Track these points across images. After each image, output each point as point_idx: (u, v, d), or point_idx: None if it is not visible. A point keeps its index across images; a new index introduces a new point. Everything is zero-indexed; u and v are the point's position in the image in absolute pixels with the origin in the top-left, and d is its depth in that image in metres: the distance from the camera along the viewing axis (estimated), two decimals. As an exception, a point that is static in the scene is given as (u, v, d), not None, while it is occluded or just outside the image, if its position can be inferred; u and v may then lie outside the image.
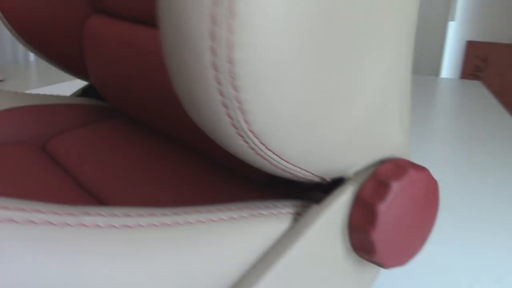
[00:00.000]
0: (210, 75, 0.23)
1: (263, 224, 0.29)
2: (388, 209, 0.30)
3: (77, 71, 0.57)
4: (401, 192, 0.31)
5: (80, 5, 0.54)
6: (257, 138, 0.26)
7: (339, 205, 0.31)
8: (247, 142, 0.27)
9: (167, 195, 0.41)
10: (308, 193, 0.38)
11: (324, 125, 0.27)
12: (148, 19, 0.44)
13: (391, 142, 0.33)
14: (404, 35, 0.30)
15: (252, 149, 0.27)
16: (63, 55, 0.55)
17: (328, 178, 0.32)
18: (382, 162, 0.32)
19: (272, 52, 0.23)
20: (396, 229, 0.31)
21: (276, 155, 0.28)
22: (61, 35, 0.53)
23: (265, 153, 0.27)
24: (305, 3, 0.22)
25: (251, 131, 0.26)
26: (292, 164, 0.29)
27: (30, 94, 0.57)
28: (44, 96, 0.58)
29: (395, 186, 0.30)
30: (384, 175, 0.31)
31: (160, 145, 0.50)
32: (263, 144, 0.27)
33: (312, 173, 0.30)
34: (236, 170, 0.41)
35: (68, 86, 1.43)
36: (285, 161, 0.28)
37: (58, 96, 0.58)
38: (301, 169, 0.29)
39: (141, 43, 0.44)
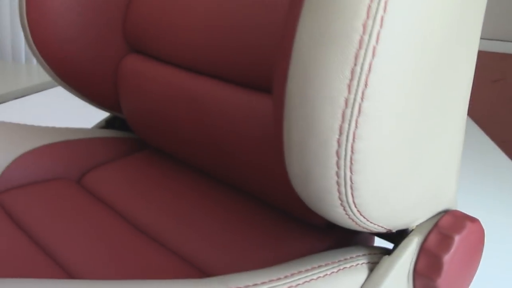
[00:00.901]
0: (332, 160, 0.27)
1: (348, 277, 0.33)
2: (451, 259, 0.35)
3: (108, 106, 0.58)
4: (462, 242, 0.35)
5: (117, 43, 0.55)
6: (356, 208, 0.30)
7: (407, 255, 0.35)
8: (345, 210, 0.30)
9: (221, 234, 0.44)
10: (357, 237, 0.42)
11: (408, 188, 0.31)
12: (202, 69, 0.46)
13: (449, 194, 0.37)
14: (467, 99, 0.34)
15: (347, 215, 0.31)
16: (95, 90, 0.56)
17: (394, 229, 0.36)
18: (442, 214, 0.37)
19: (385, 142, 0.27)
20: (456, 273, 0.36)
21: (365, 218, 0.31)
22: (95, 70, 0.55)
23: (357, 217, 0.31)
24: (410, 111, 0.27)
25: (354, 203, 0.29)
26: (372, 223, 0.32)
27: (60, 128, 0.58)
28: (75, 129, 0.59)
29: (457, 238, 0.35)
30: (447, 228, 0.35)
31: (200, 180, 0.52)
32: (359, 212, 0.30)
33: (384, 227, 0.34)
34: (290, 212, 0.44)
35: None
36: (369, 221, 0.32)
37: (88, 130, 0.60)
38: (378, 225, 0.33)
39: (194, 91, 0.46)
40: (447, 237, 0.35)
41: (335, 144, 0.26)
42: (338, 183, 0.28)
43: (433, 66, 0.27)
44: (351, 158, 0.27)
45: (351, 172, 0.27)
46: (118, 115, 0.60)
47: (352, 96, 0.25)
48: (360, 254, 0.36)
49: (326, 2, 0.25)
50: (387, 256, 0.35)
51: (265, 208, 0.47)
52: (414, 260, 0.36)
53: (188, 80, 0.47)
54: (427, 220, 0.36)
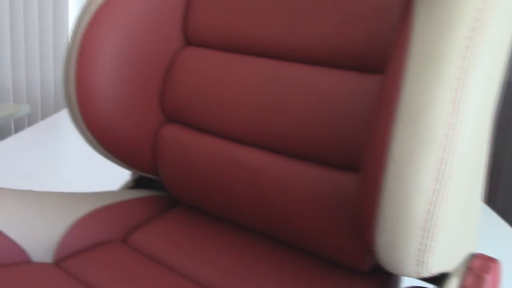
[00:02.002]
0: (420, 234, 0.36)
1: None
2: (484, 295, 0.44)
3: (144, 170, 0.63)
4: (491, 281, 0.44)
5: (155, 114, 0.61)
6: (427, 265, 0.38)
7: None
8: (417, 267, 0.39)
9: (281, 285, 0.51)
10: (395, 277, 0.51)
11: (462, 240, 0.40)
12: (254, 141, 0.53)
13: (475, 237, 0.46)
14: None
15: (417, 271, 0.39)
16: (134, 157, 0.61)
17: (437, 273, 0.44)
18: (471, 257, 0.46)
19: (456, 216, 0.36)
20: None
21: (428, 271, 0.40)
22: (135, 140, 0.60)
23: (423, 271, 0.39)
24: (471, 187, 0.36)
25: (427, 262, 0.38)
26: (431, 273, 0.41)
27: (99, 193, 0.62)
28: (112, 193, 0.63)
29: (488, 278, 0.44)
30: (479, 270, 0.44)
31: (240, 233, 0.59)
32: (427, 267, 0.39)
33: (436, 274, 0.42)
34: (336, 260, 0.52)
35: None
36: (429, 272, 0.40)
37: (122, 192, 0.64)
38: (433, 273, 0.42)
39: (245, 161, 0.53)
40: (481, 278, 0.44)
41: (423, 222, 0.35)
42: (419, 249, 0.37)
43: (477, 162, 0.36)
44: (433, 232, 0.35)
45: (432, 241, 0.36)
46: (151, 177, 0.66)
47: (437, 187, 0.34)
48: (414, 297, 0.44)
49: (415, 115, 0.34)
50: (435, 297, 0.44)
51: (308, 257, 0.54)
52: None
53: (239, 150, 0.54)
54: (461, 263, 0.45)
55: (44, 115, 2.06)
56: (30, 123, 2.07)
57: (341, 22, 0.49)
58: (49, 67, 1.98)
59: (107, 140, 0.59)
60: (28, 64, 1.99)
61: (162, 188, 0.70)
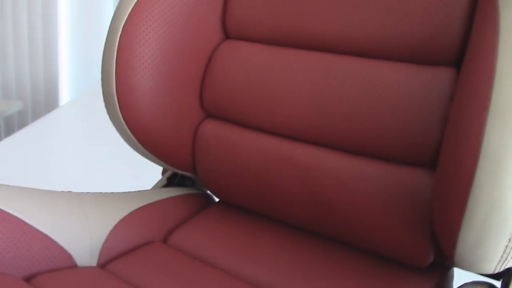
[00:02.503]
0: (509, 230, 0.35)
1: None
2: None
3: (182, 167, 0.61)
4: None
5: (193, 110, 0.59)
6: (508, 262, 0.38)
7: None
8: (498, 263, 0.38)
9: (330, 281, 0.50)
10: (450, 272, 0.50)
11: None
12: (306, 138, 0.52)
13: None
14: None
15: (495, 267, 0.39)
16: (173, 155, 0.59)
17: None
18: None
19: None
20: None
21: (504, 267, 0.39)
22: (173, 137, 0.58)
23: (500, 267, 0.39)
24: None
25: (509, 259, 0.38)
26: (505, 268, 0.40)
27: (136, 193, 0.61)
28: (148, 192, 0.62)
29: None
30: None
31: (284, 230, 0.58)
32: (505, 265, 0.39)
33: (503, 269, 0.42)
34: (394, 257, 0.51)
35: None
36: (504, 268, 0.40)
37: (158, 191, 0.63)
38: (504, 269, 0.41)
39: (298, 158, 0.52)
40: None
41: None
42: (507, 246, 0.36)
43: None
44: None
45: None
46: (188, 174, 0.64)
47: None
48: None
49: None
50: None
51: (364, 255, 0.53)
52: None
53: (291, 147, 0.53)
54: None
55: (35, 112, 2.01)
56: (20, 120, 2.02)
57: (397, 13, 0.48)
58: (39, 64, 1.93)
59: (147, 139, 0.57)
60: (17, 59, 1.93)
61: (195, 185, 0.69)
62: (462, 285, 0.47)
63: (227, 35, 0.60)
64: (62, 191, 0.54)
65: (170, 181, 0.67)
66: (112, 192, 0.59)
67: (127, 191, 0.62)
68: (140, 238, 0.57)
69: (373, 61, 0.49)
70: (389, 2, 0.48)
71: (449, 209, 0.38)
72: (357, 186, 0.49)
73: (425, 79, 0.46)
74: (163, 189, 0.64)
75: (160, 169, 0.70)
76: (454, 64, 0.46)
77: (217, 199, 0.66)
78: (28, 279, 0.47)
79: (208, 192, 0.68)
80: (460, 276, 0.54)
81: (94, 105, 1.55)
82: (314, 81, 0.51)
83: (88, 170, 1.26)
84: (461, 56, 0.45)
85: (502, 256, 0.37)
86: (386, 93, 0.47)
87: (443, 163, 0.41)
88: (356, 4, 0.50)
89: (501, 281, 0.47)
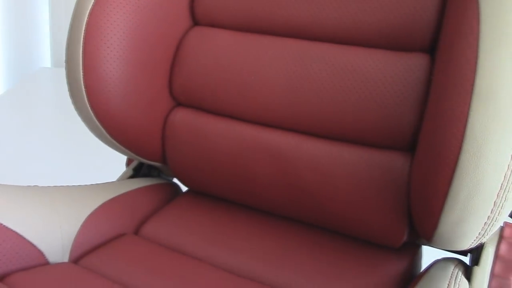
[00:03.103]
0: (489, 209, 0.37)
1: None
2: (518, 260, 0.47)
3: (151, 158, 0.60)
4: (522, 246, 0.47)
5: (163, 98, 0.58)
6: (483, 239, 0.40)
7: (488, 263, 0.46)
8: (475, 241, 0.41)
9: (310, 264, 0.51)
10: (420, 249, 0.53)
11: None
12: (284, 125, 0.52)
13: None
14: None
15: (470, 244, 0.41)
16: (142, 145, 0.58)
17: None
18: (501, 226, 0.48)
19: None
20: None
21: (479, 244, 0.42)
22: (142, 126, 0.56)
23: (474, 245, 0.42)
24: None
25: (485, 236, 0.40)
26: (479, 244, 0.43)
27: (103, 185, 0.59)
28: (116, 183, 0.60)
29: (520, 244, 0.47)
30: (511, 237, 0.47)
31: (258, 217, 0.58)
32: (480, 242, 0.41)
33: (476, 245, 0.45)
34: (370, 238, 0.53)
35: None
36: (478, 244, 0.43)
37: (126, 182, 0.61)
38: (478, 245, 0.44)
39: (274, 145, 0.52)
40: (513, 244, 0.47)
41: (495, 197, 0.36)
42: (485, 224, 0.38)
43: None
44: (502, 205, 0.37)
45: (499, 214, 0.37)
46: (155, 164, 0.63)
47: None
48: (457, 267, 0.46)
49: None
50: (476, 267, 0.46)
51: (339, 237, 0.55)
52: (490, 265, 0.47)
53: (266, 134, 0.53)
54: (493, 233, 0.48)
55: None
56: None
57: (371, 0, 0.49)
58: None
59: (116, 128, 0.55)
60: None
61: (161, 175, 0.67)
62: (433, 262, 0.49)
63: (196, 22, 0.59)
64: (29, 186, 0.52)
65: (136, 172, 0.66)
66: (79, 185, 0.57)
67: (95, 183, 0.60)
68: (112, 231, 0.56)
69: (348, 48, 0.50)
70: None
71: (432, 190, 0.40)
72: (334, 171, 0.50)
73: (400, 65, 0.47)
74: (131, 180, 0.63)
75: (122, 159, 0.68)
76: (427, 50, 0.47)
77: (184, 189, 0.66)
78: (1, 278, 0.45)
79: (175, 181, 0.67)
80: (427, 253, 0.57)
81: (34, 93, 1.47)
82: (288, 67, 0.51)
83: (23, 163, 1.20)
84: (434, 42, 0.47)
85: (480, 233, 0.39)
86: (361, 78, 0.48)
87: (424, 146, 0.42)
88: None
89: (469, 256, 0.50)
